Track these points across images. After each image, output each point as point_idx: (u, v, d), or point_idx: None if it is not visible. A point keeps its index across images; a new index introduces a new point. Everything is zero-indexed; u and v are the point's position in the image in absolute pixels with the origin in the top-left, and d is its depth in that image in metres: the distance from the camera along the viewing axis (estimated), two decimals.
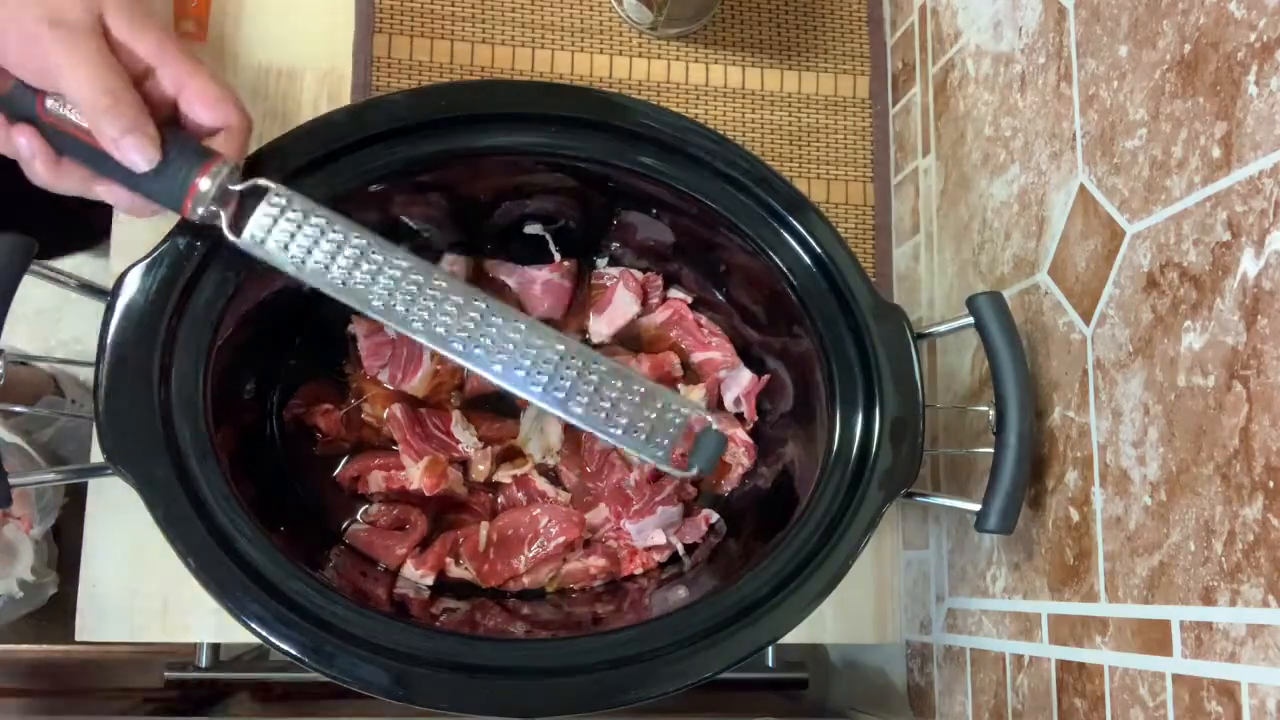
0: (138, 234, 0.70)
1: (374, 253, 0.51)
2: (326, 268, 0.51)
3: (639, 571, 0.66)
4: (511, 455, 0.68)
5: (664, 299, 0.71)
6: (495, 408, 0.69)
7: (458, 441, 0.66)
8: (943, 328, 0.62)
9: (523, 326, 0.50)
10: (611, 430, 0.49)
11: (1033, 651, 0.59)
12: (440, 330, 0.51)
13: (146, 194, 0.50)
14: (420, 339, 0.51)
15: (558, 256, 0.70)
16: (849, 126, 0.80)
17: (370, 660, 0.50)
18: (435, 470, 0.64)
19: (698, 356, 0.70)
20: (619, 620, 0.60)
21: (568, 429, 0.67)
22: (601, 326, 0.70)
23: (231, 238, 0.50)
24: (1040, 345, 0.60)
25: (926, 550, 0.72)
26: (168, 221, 0.54)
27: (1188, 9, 0.48)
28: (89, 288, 0.54)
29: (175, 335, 0.52)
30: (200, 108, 0.48)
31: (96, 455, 0.52)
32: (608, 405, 0.49)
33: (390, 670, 0.50)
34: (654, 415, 0.49)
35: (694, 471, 0.50)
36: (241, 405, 0.63)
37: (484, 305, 0.51)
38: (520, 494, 0.66)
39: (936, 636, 0.70)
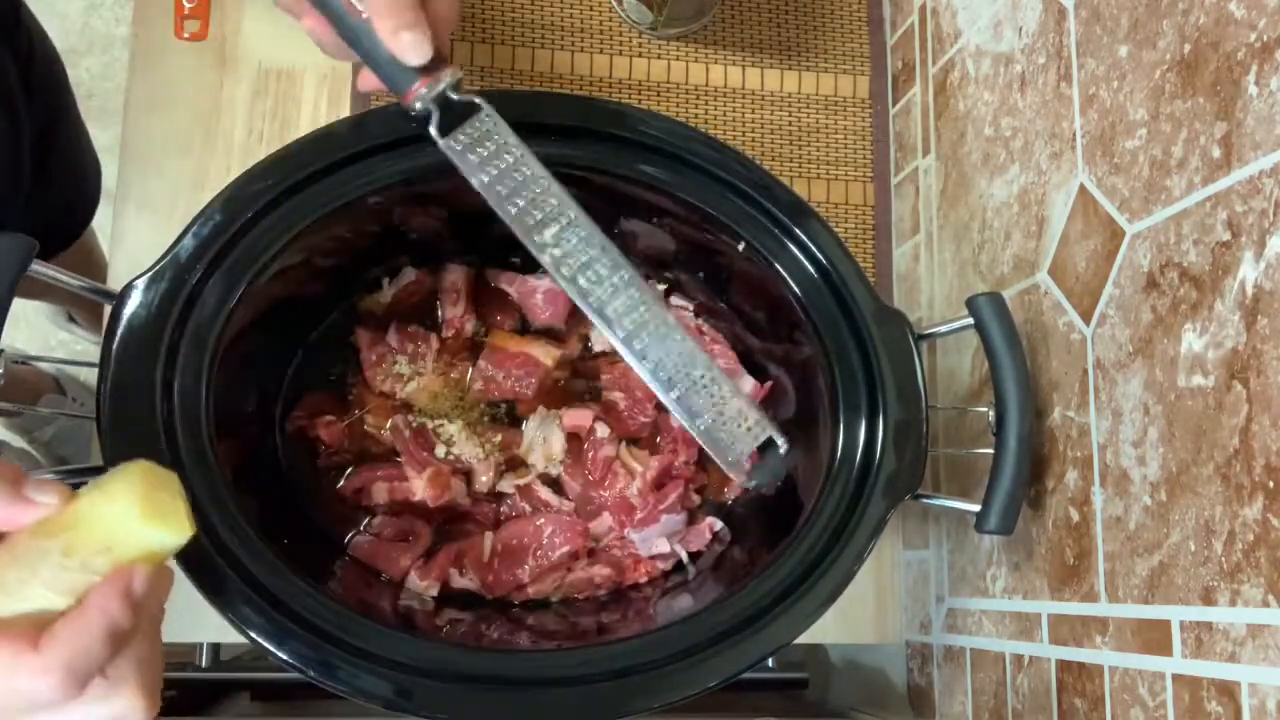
0: (139, 242, 0.70)
1: (555, 199, 0.53)
2: (507, 196, 0.53)
3: (644, 580, 0.66)
4: (514, 465, 0.67)
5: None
6: (497, 418, 0.69)
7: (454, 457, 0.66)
8: (943, 328, 0.62)
9: (675, 329, 0.53)
10: (699, 425, 0.52)
11: (1033, 651, 0.59)
12: (588, 291, 0.53)
13: (382, 72, 0.52)
14: (569, 291, 0.53)
15: None
16: (849, 126, 0.80)
17: (373, 671, 0.49)
18: (438, 481, 0.63)
19: None
20: (624, 629, 0.60)
21: (570, 438, 0.67)
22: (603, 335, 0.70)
23: (437, 137, 0.52)
24: (1040, 345, 0.60)
25: (926, 550, 0.72)
26: (168, 230, 0.54)
27: (1188, 9, 0.48)
28: (90, 289, 0.54)
29: (177, 348, 0.53)
30: (444, 16, 0.52)
31: (97, 455, 0.52)
32: (703, 403, 0.52)
33: (393, 682, 0.50)
34: (739, 426, 0.52)
35: (752, 483, 0.53)
36: (244, 418, 0.63)
37: (645, 299, 0.53)
38: (524, 504, 0.66)
39: (936, 636, 0.70)
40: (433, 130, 0.52)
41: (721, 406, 0.52)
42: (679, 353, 0.52)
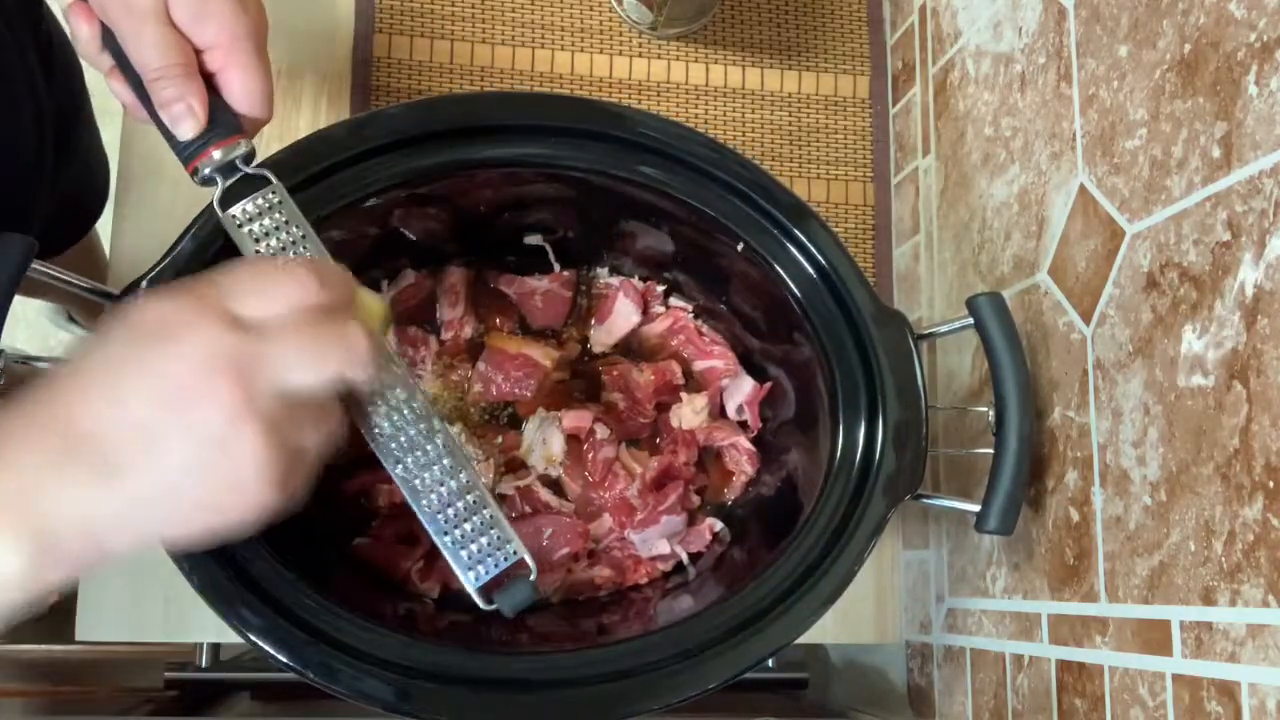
0: (139, 243, 0.70)
1: None
2: None
3: (644, 581, 0.66)
4: (514, 466, 0.67)
5: (665, 308, 0.71)
6: (496, 420, 0.69)
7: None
8: (943, 328, 0.62)
9: (435, 430, 0.51)
10: (445, 539, 0.50)
11: (1033, 651, 0.59)
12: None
13: (170, 139, 0.52)
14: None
15: (557, 267, 0.70)
16: (849, 126, 0.80)
17: (374, 674, 0.49)
18: None
19: (699, 365, 0.70)
20: (625, 630, 0.60)
21: (570, 439, 0.67)
22: (602, 336, 0.70)
23: (218, 209, 0.51)
24: (1040, 345, 0.60)
25: (926, 550, 0.72)
26: (168, 230, 0.54)
27: (1188, 9, 0.48)
28: (91, 290, 0.54)
29: None
30: (239, 94, 0.51)
31: None
32: (456, 514, 0.51)
33: (394, 684, 0.49)
34: (488, 542, 0.51)
35: (492, 607, 0.51)
36: None
37: (401, 384, 0.51)
38: (524, 505, 0.66)
39: (936, 636, 0.70)
40: (215, 203, 0.51)
41: (477, 521, 0.51)
42: (446, 460, 0.50)
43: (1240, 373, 0.44)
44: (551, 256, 0.70)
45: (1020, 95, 0.63)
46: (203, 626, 0.66)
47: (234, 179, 0.51)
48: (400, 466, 0.50)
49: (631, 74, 0.79)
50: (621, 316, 0.70)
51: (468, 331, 0.69)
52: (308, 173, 0.56)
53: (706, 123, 0.79)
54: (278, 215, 0.52)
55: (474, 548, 0.51)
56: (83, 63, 0.92)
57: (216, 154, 0.51)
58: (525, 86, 0.77)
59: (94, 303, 0.55)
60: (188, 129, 0.50)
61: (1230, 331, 0.44)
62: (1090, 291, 0.55)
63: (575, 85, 0.78)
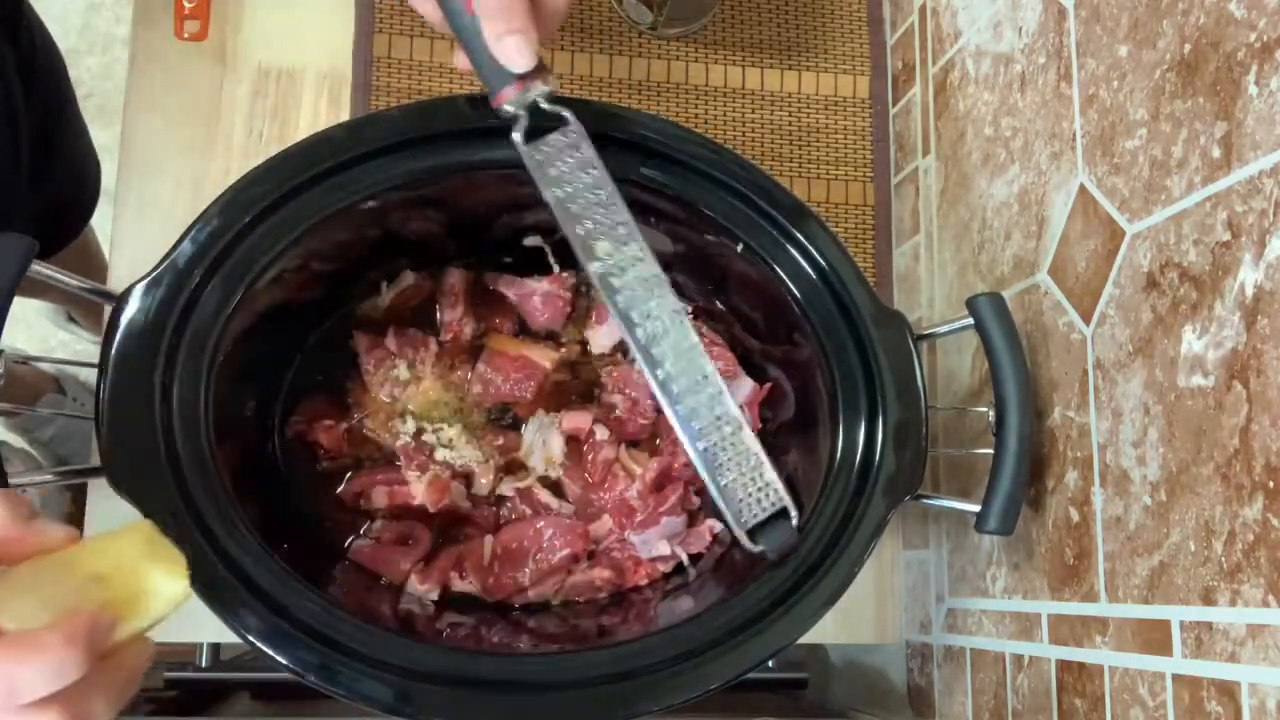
0: (139, 243, 0.70)
1: (623, 229, 0.54)
2: (578, 217, 0.53)
3: (644, 582, 0.65)
4: (514, 468, 0.67)
5: None
6: (496, 421, 0.69)
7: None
8: (943, 329, 0.62)
9: (715, 382, 0.53)
10: (719, 482, 0.53)
11: (1033, 651, 0.59)
12: (638, 326, 0.53)
13: (481, 68, 0.53)
14: (619, 323, 0.53)
15: (556, 268, 0.70)
16: (849, 126, 0.80)
17: (374, 676, 0.49)
18: (438, 485, 0.63)
19: None
20: (625, 632, 0.60)
21: (569, 440, 0.67)
22: (602, 338, 0.70)
23: (519, 142, 0.53)
24: (1040, 345, 0.60)
25: (926, 550, 0.72)
26: (168, 231, 0.54)
27: (1188, 9, 0.48)
28: (91, 290, 0.54)
29: (176, 353, 0.52)
30: (544, 31, 0.52)
31: (96, 456, 0.52)
32: (729, 460, 0.53)
33: (394, 686, 0.49)
34: (758, 490, 0.54)
35: (757, 547, 0.54)
36: (243, 422, 0.63)
37: (690, 346, 0.53)
38: (524, 507, 0.66)
39: (936, 636, 0.70)
40: (516, 136, 0.53)
41: (745, 468, 0.53)
42: (714, 406, 0.52)
43: (1240, 373, 0.44)
44: (551, 258, 0.69)
45: (1020, 95, 0.63)
46: (203, 626, 0.66)
47: (532, 114, 0.53)
48: (681, 407, 0.52)
49: (631, 74, 0.79)
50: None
51: (467, 333, 0.69)
52: (307, 174, 0.56)
53: (707, 123, 0.79)
54: (576, 154, 0.54)
55: (742, 492, 0.53)
56: (66, 63, 0.91)
57: (523, 90, 0.52)
58: None
59: (94, 303, 0.55)
60: (525, 60, 0.50)
61: (1230, 331, 0.44)
62: (1090, 291, 0.55)
63: (575, 85, 0.78)
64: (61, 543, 0.38)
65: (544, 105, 0.53)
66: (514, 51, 0.50)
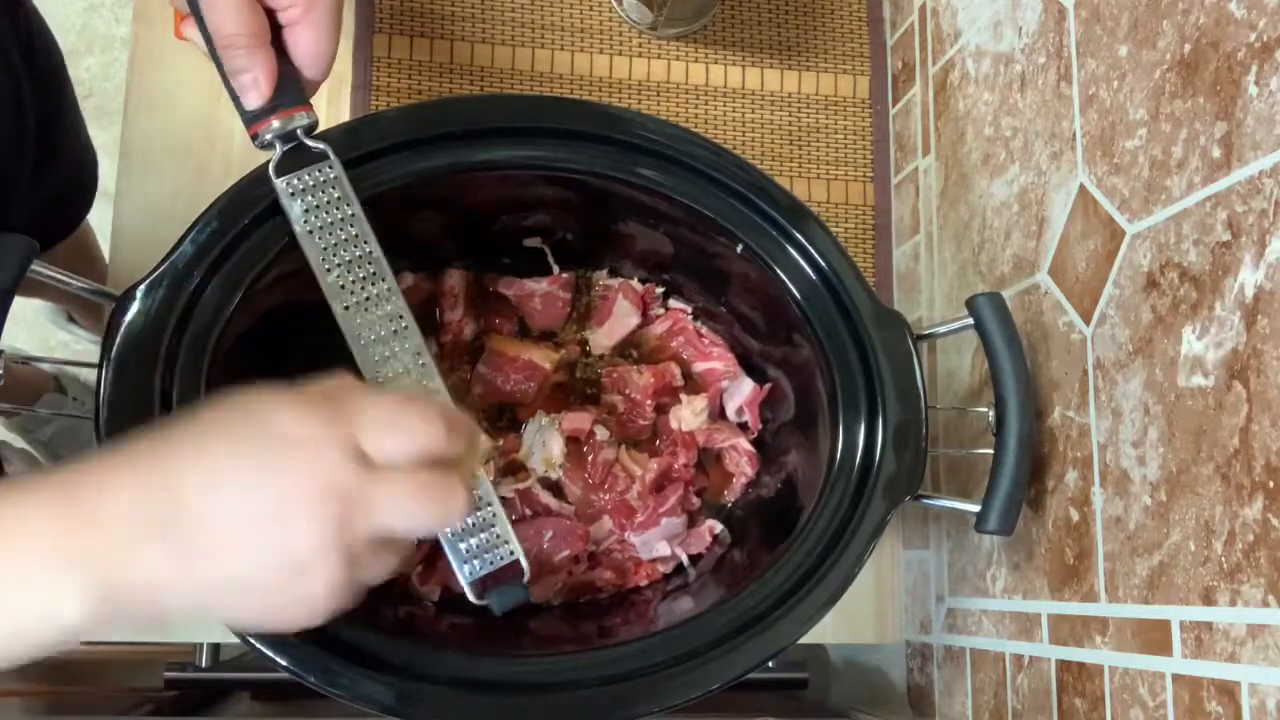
0: (138, 244, 0.70)
1: (373, 267, 0.54)
2: (326, 252, 0.53)
3: (644, 583, 0.65)
4: (514, 469, 0.67)
5: (665, 310, 0.71)
6: (496, 422, 0.69)
7: None
8: (943, 329, 0.62)
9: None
10: (448, 531, 0.52)
11: (1033, 651, 0.59)
12: (379, 367, 0.53)
13: (235, 98, 0.53)
14: (358, 359, 0.53)
15: (556, 269, 0.70)
16: (849, 126, 0.80)
17: (374, 678, 0.49)
18: None
19: (699, 366, 0.70)
20: (625, 633, 0.60)
21: (569, 441, 0.67)
22: (602, 338, 0.70)
23: (273, 176, 0.53)
24: (1040, 345, 0.60)
25: (926, 550, 0.72)
26: (168, 232, 0.54)
27: (1188, 9, 0.48)
28: (91, 291, 0.54)
29: (176, 355, 0.52)
30: (304, 54, 0.52)
31: None
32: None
33: (394, 687, 0.49)
34: (487, 539, 0.52)
35: (483, 601, 0.52)
36: None
37: (430, 384, 0.53)
38: (524, 508, 0.66)
39: (936, 636, 0.70)
40: (270, 167, 0.53)
41: (479, 518, 0.52)
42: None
43: (1240, 373, 0.44)
44: (551, 259, 0.70)
45: (1020, 95, 0.63)
46: (203, 627, 0.66)
47: (291, 147, 0.53)
48: None
49: (631, 74, 0.79)
50: (621, 318, 0.69)
51: (467, 334, 0.69)
52: None
53: (706, 123, 0.79)
54: (331, 191, 0.53)
55: (472, 542, 0.52)
56: (80, 58, 0.91)
57: (277, 123, 0.52)
58: (525, 87, 0.77)
59: (94, 303, 0.55)
60: (252, 100, 0.51)
61: (1230, 332, 0.44)
62: (1090, 291, 0.55)
63: (575, 85, 0.78)
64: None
65: (304, 139, 0.53)
66: (245, 87, 0.51)
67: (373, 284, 0.53)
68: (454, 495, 0.41)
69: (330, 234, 0.53)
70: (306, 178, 0.53)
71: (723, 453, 0.69)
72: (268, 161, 0.54)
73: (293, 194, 0.53)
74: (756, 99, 0.80)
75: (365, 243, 0.53)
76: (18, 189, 0.79)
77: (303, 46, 0.52)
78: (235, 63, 0.51)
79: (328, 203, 0.53)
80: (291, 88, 0.52)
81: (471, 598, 0.51)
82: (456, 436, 0.41)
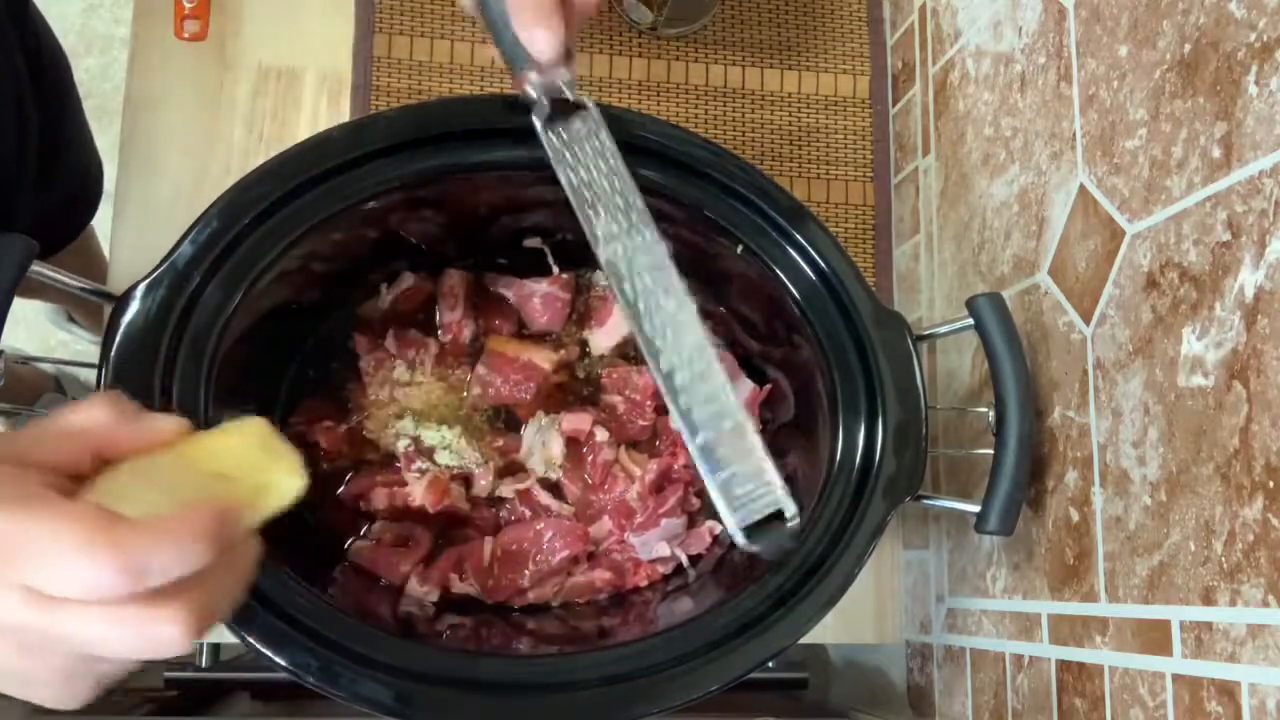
0: (138, 244, 0.70)
1: (635, 216, 0.54)
2: (591, 203, 0.53)
3: (644, 584, 0.65)
4: (513, 470, 0.67)
5: None
6: (495, 423, 0.69)
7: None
8: (943, 329, 0.62)
9: (718, 376, 0.52)
10: (718, 479, 0.51)
11: (1033, 651, 0.59)
12: (644, 315, 0.52)
13: (506, 51, 0.54)
14: (625, 310, 0.52)
15: (556, 269, 0.70)
16: (849, 126, 0.80)
17: (374, 678, 0.49)
18: (437, 487, 0.63)
19: None
20: (625, 633, 0.60)
21: (569, 442, 0.67)
22: (602, 339, 0.70)
23: (539, 125, 0.54)
24: (1040, 345, 0.60)
25: (926, 550, 0.72)
26: (168, 232, 0.54)
27: (1188, 9, 0.48)
28: (91, 291, 0.54)
29: (175, 355, 0.52)
30: (575, 20, 0.54)
31: None
32: (728, 455, 0.51)
33: (393, 688, 0.49)
34: (755, 488, 0.51)
35: (753, 547, 0.51)
36: None
37: (697, 338, 0.52)
38: (523, 508, 0.66)
39: (936, 636, 0.70)
40: (536, 119, 0.54)
41: (745, 466, 0.51)
42: (716, 399, 0.51)
43: (1240, 373, 0.44)
44: (550, 259, 0.69)
45: (1020, 95, 0.63)
46: None
47: (554, 101, 0.54)
48: (682, 399, 0.51)
49: (631, 74, 0.79)
50: (621, 319, 0.69)
51: (467, 334, 0.69)
52: (307, 175, 0.56)
53: (706, 123, 0.79)
54: (595, 142, 0.54)
55: (740, 490, 0.50)
56: (80, 59, 0.91)
57: (540, 77, 0.53)
58: None
59: (94, 303, 0.55)
60: (550, 55, 0.52)
61: (1230, 332, 0.44)
62: (1090, 291, 0.55)
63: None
64: (173, 435, 0.38)
65: (566, 92, 0.54)
66: (542, 43, 0.52)
67: (638, 233, 0.53)
68: (158, 629, 0.34)
69: (595, 185, 0.54)
70: (573, 129, 0.54)
71: None
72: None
73: (560, 145, 0.54)
74: (756, 99, 0.80)
75: (628, 192, 0.54)
76: (20, 195, 0.79)
77: (571, 18, 0.53)
78: (532, 15, 0.51)
79: (593, 153, 0.54)
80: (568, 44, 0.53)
81: (743, 544, 0.50)
82: (173, 559, 0.34)
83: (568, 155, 0.54)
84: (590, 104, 0.54)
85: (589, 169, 0.54)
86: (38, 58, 0.81)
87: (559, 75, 0.53)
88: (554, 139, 0.54)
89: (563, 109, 0.54)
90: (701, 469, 0.51)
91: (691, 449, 0.51)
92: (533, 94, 0.54)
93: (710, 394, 0.52)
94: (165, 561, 0.34)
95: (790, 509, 0.52)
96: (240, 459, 0.39)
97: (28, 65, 0.79)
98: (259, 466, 0.39)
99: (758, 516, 0.51)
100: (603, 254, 0.53)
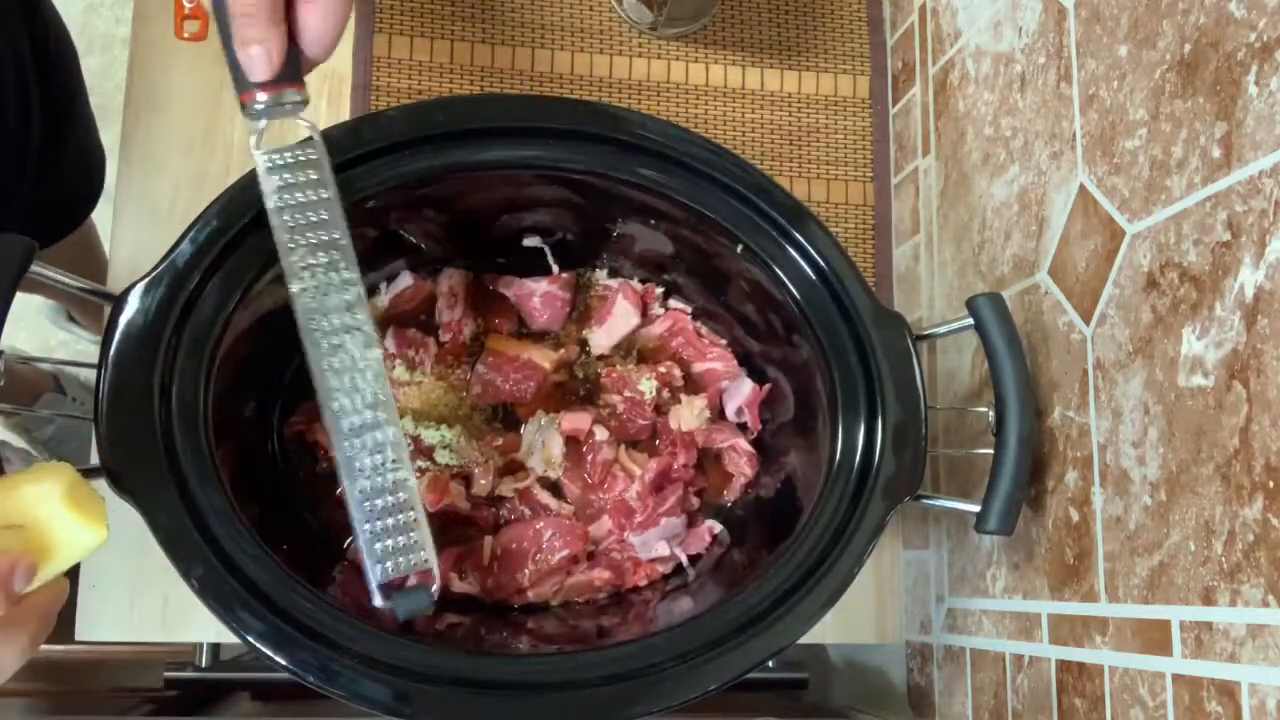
0: (138, 244, 0.70)
1: (339, 254, 0.52)
2: (293, 231, 0.52)
3: (643, 583, 0.65)
4: (513, 469, 0.67)
5: (664, 310, 0.71)
6: (495, 422, 0.69)
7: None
8: (943, 329, 0.62)
9: (391, 429, 0.51)
10: (365, 526, 0.50)
11: (1033, 651, 0.59)
12: (325, 361, 0.51)
13: (232, 68, 0.52)
14: (306, 346, 0.51)
15: (556, 269, 0.70)
16: (849, 126, 0.80)
17: (373, 677, 0.49)
18: (437, 485, 0.63)
19: (698, 367, 0.70)
20: (624, 633, 0.60)
21: (569, 441, 0.67)
22: (601, 338, 0.70)
23: (254, 147, 0.52)
24: (1040, 345, 0.60)
25: (926, 550, 0.72)
26: (167, 232, 0.54)
27: (1188, 9, 0.48)
28: (90, 290, 0.54)
29: (175, 354, 0.52)
30: (311, 33, 0.52)
31: (96, 456, 0.52)
32: (383, 507, 0.51)
33: (393, 687, 0.49)
34: (405, 543, 0.51)
35: (386, 604, 0.51)
36: (242, 422, 0.63)
37: (372, 370, 0.51)
38: (523, 507, 0.66)
39: (936, 636, 0.70)
40: (252, 140, 0.52)
41: (401, 520, 0.50)
42: (384, 450, 0.50)
43: (1240, 373, 0.44)
44: (550, 258, 0.70)
45: (1020, 95, 0.63)
46: (202, 627, 0.66)
47: (276, 125, 0.52)
48: (348, 444, 0.50)
49: (631, 74, 0.79)
50: (620, 318, 0.69)
51: (466, 333, 0.69)
52: None
53: (706, 123, 0.79)
54: (310, 173, 0.52)
55: (389, 543, 0.50)
56: (80, 58, 0.92)
57: (269, 96, 0.51)
58: (525, 86, 0.77)
59: (94, 303, 0.55)
60: (260, 72, 0.50)
61: (1230, 332, 0.44)
62: (1090, 291, 0.55)
63: (575, 85, 0.78)
64: None
65: (293, 113, 0.52)
66: (253, 60, 0.50)
67: (335, 271, 0.52)
68: None
69: (301, 214, 0.52)
70: (288, 155, 0.52)
71: (722, 453, 0.69)
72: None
73: (270, 168, 0.52)
74: (756, 99, 0.80)
75: (334, 229, 0.52)
76: (21, 186, 0.79)
77: (311, 25, 0.51)
78: (249, 33, 0.50)
79: (304, 183, 0.52)
80: (290, 63, 0.52)
81: (377, 599, 0.50)
82: None
83: (274, 179, 0.52)
84: (315, 133, 0.53)
85: (298, 199, 0.52)
86: (45, 45, 0.81)
87: (287, 96, 0.51)
88: (265, 161, 0.52)
89: (287, 133, 0.52)
90: (353, 516, 0.50)
91: (349, 494, 0.50)
92: (256, 110, 0.51)
93: (379, 444, 0.50)
94: (20, 651, 0.36)
95: (435, 575, 0.50)
96: (40, 511, 0.39)
97: (37, 54, 0.79)
98: (58, 518, 0.39)
99: (402, 574, 0.51)
100: (291, 288, 0.51)
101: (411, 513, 0.51)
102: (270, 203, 0.52)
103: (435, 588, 0.51)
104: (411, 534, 0.51)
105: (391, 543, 0.51)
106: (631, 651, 0.52)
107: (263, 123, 0.52)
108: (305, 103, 0.52)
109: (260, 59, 0.50)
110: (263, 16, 0.50)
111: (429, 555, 0.51)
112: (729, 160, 0.61)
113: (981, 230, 0.67)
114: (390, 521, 0.50)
